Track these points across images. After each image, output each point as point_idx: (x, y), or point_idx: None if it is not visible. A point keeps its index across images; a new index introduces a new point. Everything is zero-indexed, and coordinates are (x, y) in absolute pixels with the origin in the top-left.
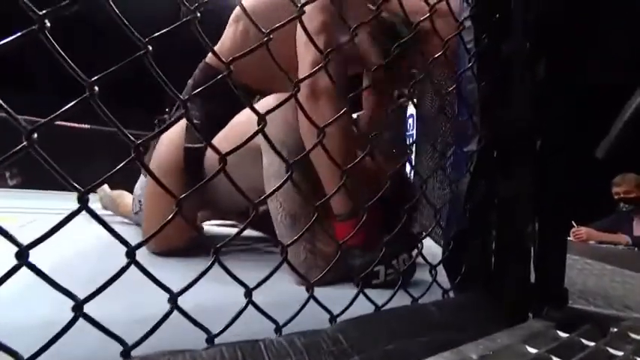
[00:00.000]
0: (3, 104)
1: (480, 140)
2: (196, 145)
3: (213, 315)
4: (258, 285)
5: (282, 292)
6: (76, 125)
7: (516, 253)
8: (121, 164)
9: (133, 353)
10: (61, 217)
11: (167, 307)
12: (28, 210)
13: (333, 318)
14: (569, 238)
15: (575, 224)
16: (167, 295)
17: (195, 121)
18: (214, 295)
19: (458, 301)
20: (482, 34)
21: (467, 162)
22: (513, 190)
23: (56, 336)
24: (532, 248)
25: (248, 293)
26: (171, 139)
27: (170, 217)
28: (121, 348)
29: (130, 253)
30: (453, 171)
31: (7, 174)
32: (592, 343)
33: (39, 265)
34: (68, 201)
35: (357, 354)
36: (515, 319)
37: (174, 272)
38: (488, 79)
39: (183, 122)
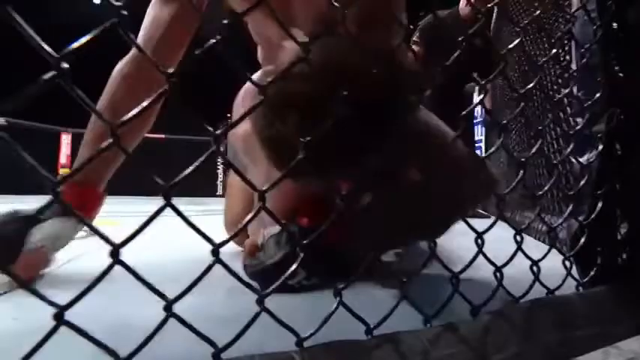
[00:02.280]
0: None
1: (610, 120)
2: None
3: (299, 319)
4: (346, 286)
5: (363, 293)
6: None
7: None
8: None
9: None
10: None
11: (250, 307)
12: (126, 214)
13: (427, 320)
14: None
15: None
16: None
17: None
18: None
19: (599, 293)
20: (607, 0)
21: (593, 144)
22: None
23: (150, 336)
24: None
25: (337, 293)
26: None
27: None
28: (211, 349)
29: (215, 251)
30: (580, 152)
31: None
32: None
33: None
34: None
35: (516, 345)
36: None
37: None
38: (616, 51)
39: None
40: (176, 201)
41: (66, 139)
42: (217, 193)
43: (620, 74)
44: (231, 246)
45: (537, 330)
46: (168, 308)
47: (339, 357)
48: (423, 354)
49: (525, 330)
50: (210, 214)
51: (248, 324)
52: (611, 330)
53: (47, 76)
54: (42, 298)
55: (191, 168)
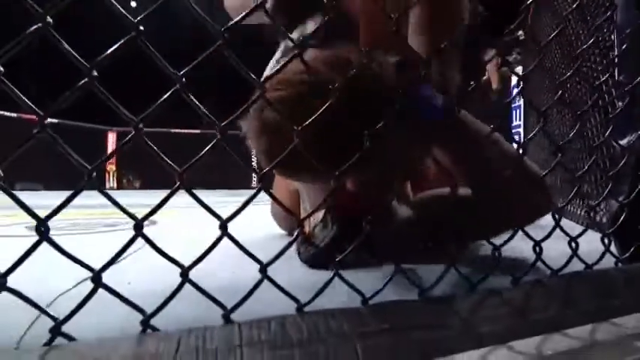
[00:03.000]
0: None
1: None
2: None
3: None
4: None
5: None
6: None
7: None
8: None
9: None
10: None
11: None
12: (177, 207)
13: (472, 287)
14: None
15: None
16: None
17: None
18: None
19: (637, 268)
20: None
21: (634, 126)
22: None
23: (249, 292)
24: None
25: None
26: None
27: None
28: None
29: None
30: (622, 133)
31: (130, 177)
32: None
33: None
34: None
35: (555, 310)
36: None
37: None
38: None
39: None
40: (213, 193)
41: (111, 138)
42: (252, 185)
43: None
44: (280, 230)
45: (576, 297)
46: (263, 270)
47: (400, 312)
48: (471, 312)
49: (564, 297)
50: (251, 205)
51: (324, 285)
52: None
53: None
54: (169, 258)
55: (279, 158)
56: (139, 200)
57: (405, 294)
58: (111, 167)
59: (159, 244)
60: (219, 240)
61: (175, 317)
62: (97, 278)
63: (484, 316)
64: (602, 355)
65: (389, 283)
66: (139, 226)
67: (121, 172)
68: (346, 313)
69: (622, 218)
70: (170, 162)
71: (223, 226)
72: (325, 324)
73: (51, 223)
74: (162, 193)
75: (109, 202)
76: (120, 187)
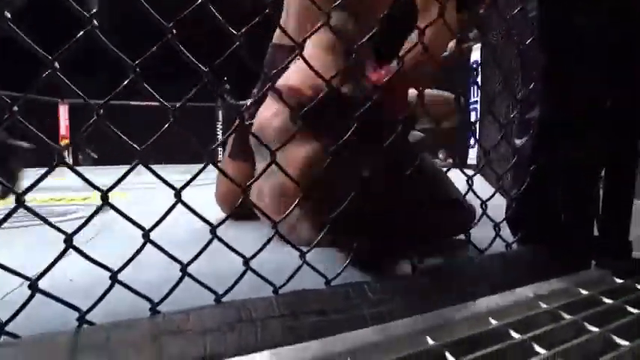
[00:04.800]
0: None
1: (543, 107)
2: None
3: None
4: (308, 250)
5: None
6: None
7: (580, 208)
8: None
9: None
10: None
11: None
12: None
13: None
14: None
15: None
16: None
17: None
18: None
19: (521, 253)
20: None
21: (530, 127)
22: (580, 153)
23: (172, 288)
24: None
25: (302, 255)
26: None
27: None
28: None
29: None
30: (518, 135)
31: (88, 151)
32: None
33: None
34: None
35: (437, 293)
36: (577, 268)
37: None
38: (554, 47)
39: None
40: (172, 169)
41: (63, 110)
42: (218, 159)
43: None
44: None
45: (458, 283)
46: (183, 270)
47: (303, 299)
48: (366, 298)
49: (448, 284)
50: (204, 185)
51: (239, 277)
52: (518, 282)
53: None
54: (99, 264)
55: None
56: (94, 180)
57: (313, 283)
58: (65, 142)
59: (107, 234)
60: (141, 249)
61: (112, 309)
62: (34, 285)
63: (373, 300)
64: (460, 327)
65: (304, 274)
66: (69, 240)
67: (77, 147)
68: (257, 302)
69: (510, 209)
70: (129, 141)
71: (146, 234)
72: (237, 313)
73: None
74: (118, 170)
75: (56, 185)
76: (76, 163)
